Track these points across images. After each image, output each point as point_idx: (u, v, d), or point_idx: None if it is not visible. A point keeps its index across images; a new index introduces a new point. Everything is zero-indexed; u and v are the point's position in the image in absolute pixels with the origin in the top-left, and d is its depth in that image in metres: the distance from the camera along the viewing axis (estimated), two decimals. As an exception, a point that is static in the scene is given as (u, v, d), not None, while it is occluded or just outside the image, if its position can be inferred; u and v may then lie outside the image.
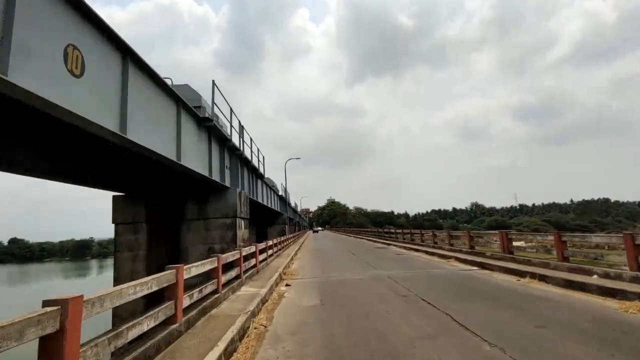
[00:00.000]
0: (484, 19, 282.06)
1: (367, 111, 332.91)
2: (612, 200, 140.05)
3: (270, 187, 26.56)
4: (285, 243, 21.07)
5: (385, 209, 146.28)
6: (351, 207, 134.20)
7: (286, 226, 35.71)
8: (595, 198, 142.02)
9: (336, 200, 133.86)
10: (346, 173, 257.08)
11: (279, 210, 32.83)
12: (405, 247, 19.88)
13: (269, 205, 26.31)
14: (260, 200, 20.67)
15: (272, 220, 34.35)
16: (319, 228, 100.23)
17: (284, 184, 38.64)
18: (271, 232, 33.86)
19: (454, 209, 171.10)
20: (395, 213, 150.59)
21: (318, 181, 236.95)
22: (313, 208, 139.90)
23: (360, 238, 37.59)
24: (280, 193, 35.38)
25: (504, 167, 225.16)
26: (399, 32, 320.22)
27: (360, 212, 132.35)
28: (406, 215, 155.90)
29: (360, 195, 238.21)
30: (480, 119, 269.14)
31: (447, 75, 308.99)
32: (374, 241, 29.61)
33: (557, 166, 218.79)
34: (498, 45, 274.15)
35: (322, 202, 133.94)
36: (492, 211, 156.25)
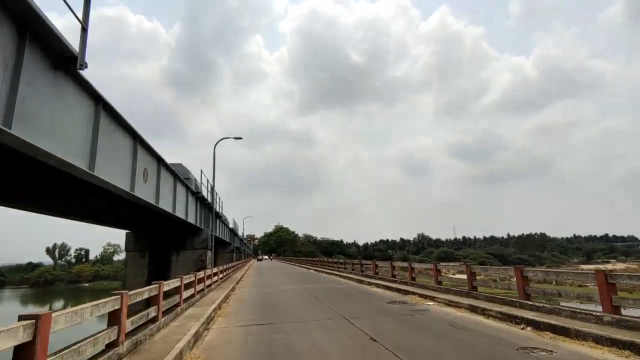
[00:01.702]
0: (426, 63, 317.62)
1: (319, 141, 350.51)
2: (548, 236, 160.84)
3: (224, 221, 32.69)
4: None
5: (335, 237, 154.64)
6: (300, 234, 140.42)
7: (234, 254, 41.48)
8: (532, 233, 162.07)
9: (284, 226, 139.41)
10: (296, 201, 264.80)
11: (228, 240, 38.69)
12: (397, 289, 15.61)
13: (223, 237, 32.31)
14: (218, 235, 26.83)
15: (223, 249, 40.00)
16: (265, 257, 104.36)
17: (234, 218, 44.72)
18: (220, 259, 39.46)
19: (402, 239, 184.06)
20: (345, 242, 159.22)
21: (266, 207, 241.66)
22: (259, 234, 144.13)
23: (320, 272, 33.13)
24: (231, 226, 41.34)
25: (444, 201, 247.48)
26: (350, 68, 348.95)
27: (309, 240, 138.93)
28: (356, 244, 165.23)
29: (310, 223, 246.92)
30: (423, 156, 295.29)
31: (395, 113, 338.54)
32: (342, 276, 24.30)
33: (490, 202, 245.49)
34: (439, 88, 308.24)
35: (270, 229, 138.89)
36: (437, 243, 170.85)
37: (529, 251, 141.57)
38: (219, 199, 24.47)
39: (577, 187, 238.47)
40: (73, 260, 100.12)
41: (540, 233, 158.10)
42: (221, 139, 20.20)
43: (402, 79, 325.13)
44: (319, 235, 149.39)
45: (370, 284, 17.27)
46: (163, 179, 12.42)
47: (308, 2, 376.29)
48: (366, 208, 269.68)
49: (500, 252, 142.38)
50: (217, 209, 23.63)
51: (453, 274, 29.81)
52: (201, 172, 17.45)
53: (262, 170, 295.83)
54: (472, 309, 9.72)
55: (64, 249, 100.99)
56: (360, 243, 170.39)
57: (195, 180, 17.56)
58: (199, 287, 12.39)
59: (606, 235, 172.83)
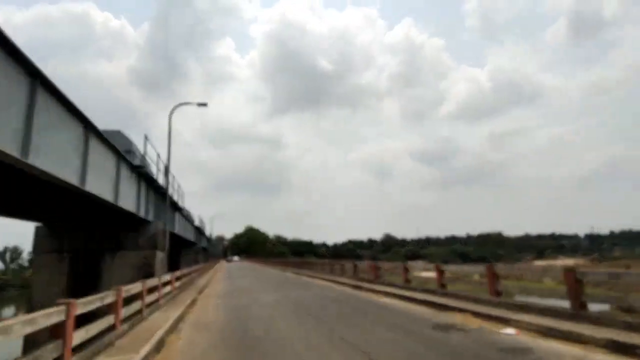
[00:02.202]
0: (392, 72, 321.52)
1: (289, 144, 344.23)
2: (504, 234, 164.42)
3: (185, 216, 27.70)
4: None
5: (305, 238, 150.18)
6: (271, 235, 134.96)
7: (199, 255, 36.35)
8: (489, 232, 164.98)
9: (255, 227, 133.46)
10: (266, 202, 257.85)
11: (193, 239, 33.54)
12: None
13: (185, 236, 27.29)
14: (178, 231, 21.93)
15: (187, 250, 34.76)
16: (236, 257, 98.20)
17: (200, 216, 39.42)
18: (184, 261, 34.19)
19: (369, 239, 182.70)
20: (315, 243, 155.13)
21: (236, 208, 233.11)
22: (229, 235, 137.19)
23: (299, 274, 28.59)
24: (196, 223, 36.17)
25: (408, 203, 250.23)
26: (319, 74, 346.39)
27: (280, 240, 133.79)
28: (325, 245, 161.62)
29: (280, 224, 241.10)
30: (388, 159, 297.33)
31: (363, 118, 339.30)
32: (329, 280, 20.20)
33: (449, 204, 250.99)
34: (403, 96, 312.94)
35: (240, 230, 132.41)
36: (403, 242, 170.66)
37: (487, 249, 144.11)
38: (178, 185, 19.68)
39: (525, 190, 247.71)
40: (26, 264, 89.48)
41: (497, 232, 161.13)
42: (179, 105, 15.70)
43: (368, 86, 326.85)
44: (290, 236, 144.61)
45: (374, 292, 13.07)
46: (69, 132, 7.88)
47: (279, 7, 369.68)
48: (334, 209, 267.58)
49: (462, 250, 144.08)
50: (176, 199, 18.84)
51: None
52: (145, 138, 12.43)
53: (232, 172, 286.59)
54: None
55: (15, 252, 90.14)
56: (329, 243, 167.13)
57: (144, 156, 12.90)
58: (133, 307, 7.85)
59: (553, 233, 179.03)
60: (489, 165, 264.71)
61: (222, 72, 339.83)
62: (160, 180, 15.37)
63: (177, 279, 14.45)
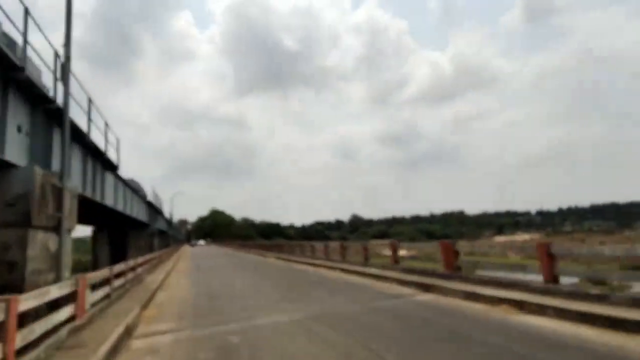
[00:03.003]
0: (356, 54, 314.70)
1: (254, 125, 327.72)
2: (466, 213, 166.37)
3: (127, 183, 19.19)
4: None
5: (272, 220, 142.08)
6: (237, 218, 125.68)
7: (155, 240, 27.68)
8: (452, 211, 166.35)
9: (220, 210, 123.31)
10: (231, 185, 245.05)
11: (145, 220, 24.93)
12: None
13: (129, 213, 18.88)
14: (112, 203, 13.69)
15: (136, 233, 26.05)
16: (201, 241, 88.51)
17: (154, 189, 30.49)
18: (134, 248, 25.55)
19: (337, 220, 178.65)
20: (282, 224, 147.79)
21: (201, 191, 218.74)
22: (193, 219, 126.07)
23: (280, 258, 23.46)
24: (149, 199, 27.39)
25: (373, 184, 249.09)
26: (284, 53, 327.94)
27: (247, 223, 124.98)
28: (293, 227, 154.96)
29: (247, 207, 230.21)
30: (354, 141, 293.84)
31: (329, 100, 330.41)
32: (322, 266, 15.73)
33: (413, 184, 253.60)
34: (368, 78, 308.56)
35: (205, 213, 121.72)
36: (370, 222, 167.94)
37: (451, 227, 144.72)
38: (106, 125, 11.33)
39: (483, 170, 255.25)
40: None
41: (459, 210, 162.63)
42: None
43: (334, 67, 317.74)
44: (257, 218, 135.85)
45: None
46: None
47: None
48: (301, 191, 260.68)
49: (427, 229, 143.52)
50: (104, 148, 10.62)
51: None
52: None
53: (195, 154, 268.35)
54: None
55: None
56: (297, 225, 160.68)
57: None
58: None
59: (508, 210, 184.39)
60: (450, 146, 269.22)
61: (180, 48, 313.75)
62: (59, 98, 7.30)
63: (107, 281, 7.59)
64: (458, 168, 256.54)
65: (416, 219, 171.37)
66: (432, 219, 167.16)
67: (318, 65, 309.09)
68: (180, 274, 16.90)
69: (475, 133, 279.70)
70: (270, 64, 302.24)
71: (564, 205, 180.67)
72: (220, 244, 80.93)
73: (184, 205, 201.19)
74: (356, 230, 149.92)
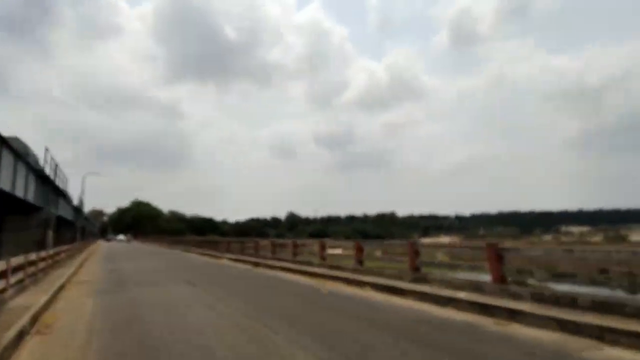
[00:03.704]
0: (299, 53, 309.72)
1: (188, 114, 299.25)
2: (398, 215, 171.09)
3: (8, 144, 10.99)
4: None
5: (204, 215, 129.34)
6: (165, 211, 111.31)
7: (49, 232, 18.53)
8: (385, 212, 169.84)
9: (145, 201, 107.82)
10: (159, 175, 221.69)
11: (31, 200, 16.11)
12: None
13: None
14: None
15: (16, 221, 16.96)
16: (121, 236, 74.48)
17: (55, 161, 21.08)
18: (12, 244, 16.50)
19: (273, 217, 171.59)
20: (216, 220, 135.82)
21: (126, 182, 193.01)
22: (112, 210, 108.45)
23: (238, 260, 17.76)
24: (46, 172, 18.33)
25: (310, 183, 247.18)
26: (225, 43, 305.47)
27: (176, 216, 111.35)
28: (227, 222, 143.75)
29: (176, 199, 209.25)
30: (292, 140, 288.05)
31: (270, 96, 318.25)
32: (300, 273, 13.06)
33: (348, 186, 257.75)
34: (309, 79, 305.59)
35: (126, 204, 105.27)
36: (307, 221, 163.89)
37: (383, 228, 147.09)
38: None
39: (411, 175, 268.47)
40: None
41: (391, 212, 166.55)
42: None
43: (276, 63, 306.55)
44: (187, 212, 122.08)
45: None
46: None
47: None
48: (236, 186, 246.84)
49: (362, 228, 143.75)
50: None
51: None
52: None
53: (119, 140, 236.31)
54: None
55: None
56: (231, 221, 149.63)
57: None
58: None
59: (431, 214, 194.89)
60: (382, 151, 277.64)
61: (105, 22, 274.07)
62: None
63: None
64: (388, 172, 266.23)
65: (351, 219, 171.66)
66: (366, 219, 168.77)
67: (260, 60, 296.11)
68: (81, 288, 9.46)
69: (404, 141, 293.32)
70: (209, 51, 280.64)
71: (476, 211, 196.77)
72: (144, 240, 68.80)
73: (100, 194, 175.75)
74: (294, 228, 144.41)
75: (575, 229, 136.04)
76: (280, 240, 18.62)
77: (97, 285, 10.32)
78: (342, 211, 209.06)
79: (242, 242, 22.93)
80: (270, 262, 14.85)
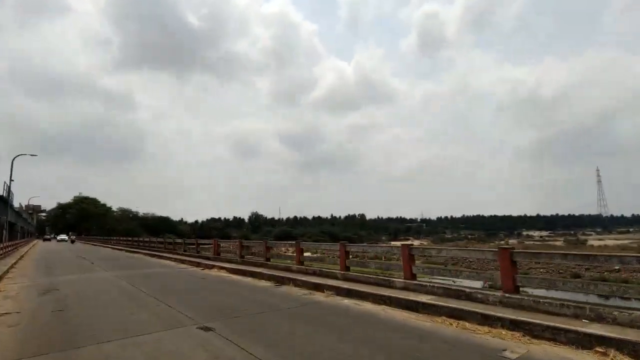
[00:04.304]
0: (265, 47, 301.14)
1: (142, 105, 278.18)
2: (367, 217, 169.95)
3: None
4: None
5: (161, 214, 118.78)
6: (115, 208, 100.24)
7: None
8: (354, 214, 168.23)
9: (91, 197, 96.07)
10: (108, 171, 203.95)
11: None
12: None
13: None
14: None
15: None
16: (63, 236, 64.20)
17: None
18: None
19: (236, 217, 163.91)
20: (173, 220, 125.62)
21: (66, 176, 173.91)
22: (52, 206, 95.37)
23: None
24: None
25: (274, 183, 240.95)
26: (185, 31, 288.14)
27: (127, 215, 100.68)
28: (183, 221, 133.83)
29: (128, 196, 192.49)
30: (256, 138, 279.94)
31: (233, 90, 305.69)
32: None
33: (313, 187, 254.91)
34: (275, 74, 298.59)
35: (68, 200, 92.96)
36: (273, 222, 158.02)
37: (352, 230, 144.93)
38: None
39: (375, 177, 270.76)
40: None
41: (360, 214, 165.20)
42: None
43: (240, 56, 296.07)
44: (140, 210, 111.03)
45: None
46: None
47: None
48: (195, 183, 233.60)
49: (330, 230, 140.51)
50: None
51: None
52: None
53: (61, 130, 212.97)
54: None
55: None
56: (190, 220, 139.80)
57: None
58: None
59: (398, 217, 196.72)
60: (348, 153, 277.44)
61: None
62: None
63: None
64: (354, 173, 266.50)
65: (318, 220, 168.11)
66: (334, 220, 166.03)
67: (224, 51, 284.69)
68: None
69: (370, 143, 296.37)
70: (168, 39, 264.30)
71: (442, 215, 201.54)
72: (89, 240, 59.72)
73: (38, 188, 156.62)
74: (258, 229, 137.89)
75: (536, 233, 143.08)
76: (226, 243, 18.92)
77: (12, 338, 5.04)
78: (307, 212, 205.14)
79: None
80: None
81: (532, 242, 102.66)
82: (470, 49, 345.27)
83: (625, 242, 76.41)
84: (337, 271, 9.64)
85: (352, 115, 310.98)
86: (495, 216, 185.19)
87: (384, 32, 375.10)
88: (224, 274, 12.49)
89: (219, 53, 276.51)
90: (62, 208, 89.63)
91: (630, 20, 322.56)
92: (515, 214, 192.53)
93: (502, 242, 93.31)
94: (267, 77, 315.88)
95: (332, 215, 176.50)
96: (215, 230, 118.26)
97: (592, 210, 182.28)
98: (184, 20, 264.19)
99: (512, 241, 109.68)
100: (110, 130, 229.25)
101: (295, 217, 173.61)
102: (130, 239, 39.63)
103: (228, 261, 14.89)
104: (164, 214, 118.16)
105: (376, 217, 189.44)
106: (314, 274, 10.31)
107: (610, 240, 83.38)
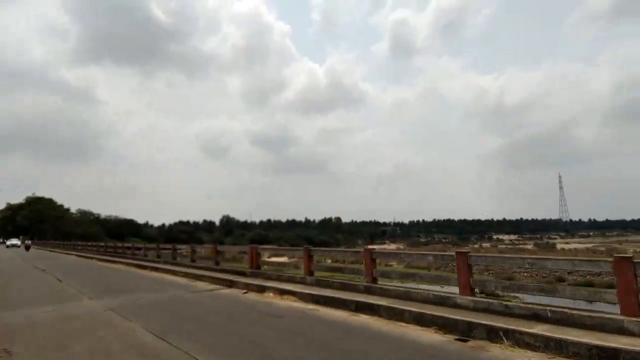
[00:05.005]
0: (236, 45, 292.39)
1: (104, 100, 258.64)
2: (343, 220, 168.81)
3: None
4: None
5: (125, 216, 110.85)
6: (73, 210, 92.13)
7: None
8: (330, 217, 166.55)
9: (46, 197, 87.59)
10: (65, 170, 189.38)
11: None
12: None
13: None
14: None
15: None
16: (14, 240, 56.72)
17: None
18: None
19: (206, 221, 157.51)
20: (138, 222, 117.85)
21: (18, 174, 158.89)
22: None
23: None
24: None
25: (246, 185, 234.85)
26: (152, 24, 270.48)
27: (88, 217, 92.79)
28: (148, 224, 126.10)
29: (88, 199, 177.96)
30: (226, 138, 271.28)
31: (202, 88, 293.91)
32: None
33: (286, 190, 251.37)
34: (247, 74, 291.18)
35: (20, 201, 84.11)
36: (245, 225, 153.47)
37: (328, 233, 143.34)
38: None
39: (349, 181, 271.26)
40: None
41: (336, 218, 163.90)
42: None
43: (211, 53, 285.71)
44: (101, 212, 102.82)
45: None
46: None
47: None
48: (163, 185, 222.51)
49: (305, 234, 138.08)
50: None
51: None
52: None
53: (11, 126, 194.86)
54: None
55: None
56: (156, 224, 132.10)
57: None
58: None
59: (372, 220, 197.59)
60: (320, 156, 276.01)
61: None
62: None
63: None
64: (325, 177, 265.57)
65: (292, 224, 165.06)
66: (309, 224, 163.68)
67: (193, 48, 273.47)
68: None
69: (343, 147, 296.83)
70: (133, 31, 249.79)
71: (413, 219, 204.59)
72: (44, 245, 53.37)
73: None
74: (230, 232, 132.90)
75: (505, 237, 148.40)
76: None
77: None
78: (280, 215, 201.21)
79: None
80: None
81: (504, 246, 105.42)
82: (440, 56, 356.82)
83: (589, 245, 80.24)
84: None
85: (324, 118, 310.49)
86: (465, 220, 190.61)
87: (356, 38, 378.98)
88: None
89: (187, 49, 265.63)
90: (11, 209, 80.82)
91: (585, 34, 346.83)
92: (483, 218, 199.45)
93: (476, 246, 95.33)
94: (238, 77, 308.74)
95: (306, 218, 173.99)
96: (185, 234, 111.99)
97: (554, 215, 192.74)
98: (149, 13, 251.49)
99: (486, 244, 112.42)
100: (68, 127, 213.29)
101: (269, 221, 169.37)
102: (102, 244, 34.94)
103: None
104: (128, 217, 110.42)
105: (351, 220, 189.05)
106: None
107: (575, 244, 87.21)
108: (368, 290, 7.83)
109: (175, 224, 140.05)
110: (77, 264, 22.45)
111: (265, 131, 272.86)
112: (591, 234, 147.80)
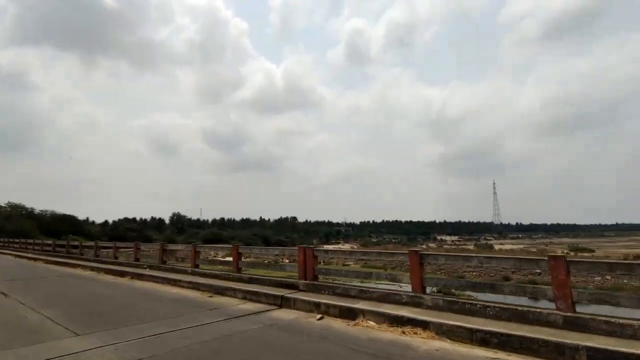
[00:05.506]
0: (190, 39, 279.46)
1: (39, 87, 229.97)
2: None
3: None
4: None
5: (62, 212, 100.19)
6: (2, 203, 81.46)
7: None
8: (287, 217, 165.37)
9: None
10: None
11: None
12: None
13: None
14: None
15: None
16: None
17: None
18: None
19: (154, 218, 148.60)
20: (78, 219, 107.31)
21: None
22: None
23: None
24: None
25: (195, 183, 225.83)
26: (98, 8, 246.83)
27: (20, 212, 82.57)
28: (89, 221, 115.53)
29: (19, 193, 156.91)
30: (176, 134, 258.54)
31: (151, 81, 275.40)
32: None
33: (239, 189, 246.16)
34: (200, 69, 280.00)
35: None
36: (198, 224, 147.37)
37: (284, 233, 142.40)
38: None
39: (301, 182, 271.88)
40: None
41: (292, 217, 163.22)
42: None
43: (162, 44, 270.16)
44: (36, 207, 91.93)
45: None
46: None
47: None
48: (106, 181, 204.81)
49: (262, 233, 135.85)
50: None
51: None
52: None
53: None
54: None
55: None
56: (98, 221, 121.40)
57: None
58: None
59: (325, 220, 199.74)
60: (273, 156, 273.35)
61: None
62: None
63: None
64: (278, 177, 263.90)
65: (247, 223, 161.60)
66: (264, 223, 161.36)
67: (143, 36, 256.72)
68: None
69: (296, 148, 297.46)
70: (76, 15, 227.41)
71: (364, 219, 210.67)
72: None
73: None
74: (183, 231, 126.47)
75: (448, 238, 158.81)
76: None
77: None
78: (232, 214, 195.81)
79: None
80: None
81: (448, 246, 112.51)
82: (391, 67, 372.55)
83: (521, 246, 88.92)
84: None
85: (279, 119, 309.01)
86: (411, 222, 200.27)
87: (313, 42, 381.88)
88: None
89: (136, 39, 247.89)
90: None
91: (516, 54, 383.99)
92: (427, 219, 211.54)
93: (424, 246, 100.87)
94: (191, 71, 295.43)
95: (261, 217, 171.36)
96: (133, 232, 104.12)
97: (487, 218, 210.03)
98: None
99: (432, 244, 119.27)
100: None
101: (223, 219, 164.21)
102: (50, 242, 30.83)
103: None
104: (67, 213, 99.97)
105: (305, 220, 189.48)
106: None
107: (509, 245, 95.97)
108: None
109: (120, 220, 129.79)
110: (21, 267, 17.96)
111: (219, 129, 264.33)
112: (520, 236, 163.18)
